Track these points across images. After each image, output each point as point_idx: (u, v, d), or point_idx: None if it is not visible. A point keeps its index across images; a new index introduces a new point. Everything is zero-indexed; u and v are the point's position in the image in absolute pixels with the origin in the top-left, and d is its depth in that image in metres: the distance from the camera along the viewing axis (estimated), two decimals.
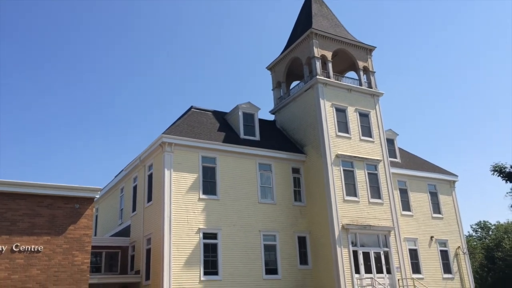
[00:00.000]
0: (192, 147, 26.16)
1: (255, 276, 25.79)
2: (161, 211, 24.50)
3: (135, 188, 29.09)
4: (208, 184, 26.27)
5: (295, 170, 29.89)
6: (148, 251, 25.63)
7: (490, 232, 58.53)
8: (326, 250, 27.04)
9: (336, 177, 28.10)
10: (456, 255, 33.60)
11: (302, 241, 28.47)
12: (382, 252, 27.95)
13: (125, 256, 28.30)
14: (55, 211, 17.12)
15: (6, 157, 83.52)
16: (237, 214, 26.48)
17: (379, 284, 25.67)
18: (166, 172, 24.89)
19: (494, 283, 46.59)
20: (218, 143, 27.14)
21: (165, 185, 24.64)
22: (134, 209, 28.68)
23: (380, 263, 27.59)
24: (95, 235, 34.67)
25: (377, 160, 30.24)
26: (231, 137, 28.62)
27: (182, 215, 24.72)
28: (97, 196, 17.92)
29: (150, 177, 26.99)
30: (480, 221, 62.54)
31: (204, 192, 25.92)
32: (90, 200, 17.92)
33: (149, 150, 26.90)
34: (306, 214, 29.04)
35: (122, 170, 31.03)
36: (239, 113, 29.77)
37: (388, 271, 27.61)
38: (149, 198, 26.55)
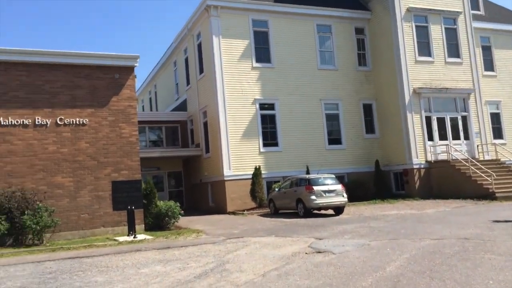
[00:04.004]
0: (240, 10, 23.50)
1: (317, 146, 24.49)
2: (213, 82, 23.01)
3: (186, 60, 27.57)
4: (261, 51, 24.02)
5: (359, 31, 26.54)
6: (205, 124, 24.87)
7: None
8: (395, 117, 24.75)
9: (406, 34, 24.54)
10: None
11: (367, 109, 26.28)
12: (459, 117, 25.16)
13: (184, 130, 27.98)
14: (94, 81, 16.02)
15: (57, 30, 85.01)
16: (294, 83, 24.44)
17: (456, 150, 23.41)
18: (215, 39, 22.80)
19: None
20: (270, 3, 24.16)
21: (215, 53, 22.75)
22: (188, 83, 27.50)
23: (456, 129, 25.00)
24: (156, 110, 34.67)
25: (457, 12, 25.86)
26: None
27: (235, 86, 23.13)
28: (136, 65, 16.51)
29: (199, 46, 25.14)
30: None
31: (258, 60, 23.81)
32: (130, 70, 16.54)
33: (194, 16, 24.66)
34: (372, 80, 26.35)
35: (172, 42, 29.36)
36: None
37: (466, 137, 25.07)
38: (201, 70, 25.01)
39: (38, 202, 14.27)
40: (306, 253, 9.52)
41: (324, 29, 25.61)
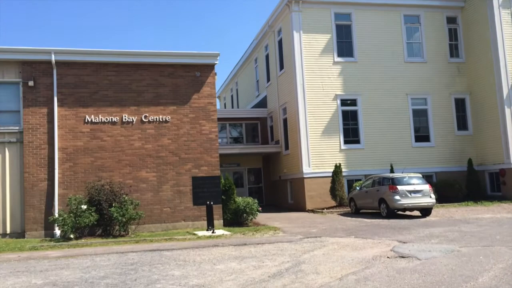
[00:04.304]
0: (322, 3, 22.92)
1: (402, 144, 23.22)
2: (293, 78, 22.72)
3: (267, 57, 27.55)
4: (344, 45, 23.26)
5: (451, 20, 24.71)
6: (285, 121, 24.67)
7: None
8: (491, 113, 22.73)
9: (505, 23, 22.37)
10: None
11: (460, 104, 24.42)
12: None
13: (264, 127, 28.02)
14: (177, 80, 16.52)
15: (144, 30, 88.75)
16: (379, 77, 23.37)
17: None
18: (295, 35, 22.47)
19: None
20: None
21: (295, 48, 22.43)
22: (268, 79, 27.47)
23: None
24: (238, 107, 35.14)
25: None
26: None
27: (316, 81, 22.63)
28: (216, 63, 16.71)
29: (280, 43, 24.96)
30: None
31: (339, 55, 23.10)
32: (210, 67, 16.79)
33: (276, 12, 24.52)
34: (465, 72, 24.43)
35: (254, 39, 29.50)
36: None
37: None
38: (281, 66, 24.83)
39: (124, 195, 14.98)
40: (388, 257, 8.91)
41: (412, 19, 24.18)
